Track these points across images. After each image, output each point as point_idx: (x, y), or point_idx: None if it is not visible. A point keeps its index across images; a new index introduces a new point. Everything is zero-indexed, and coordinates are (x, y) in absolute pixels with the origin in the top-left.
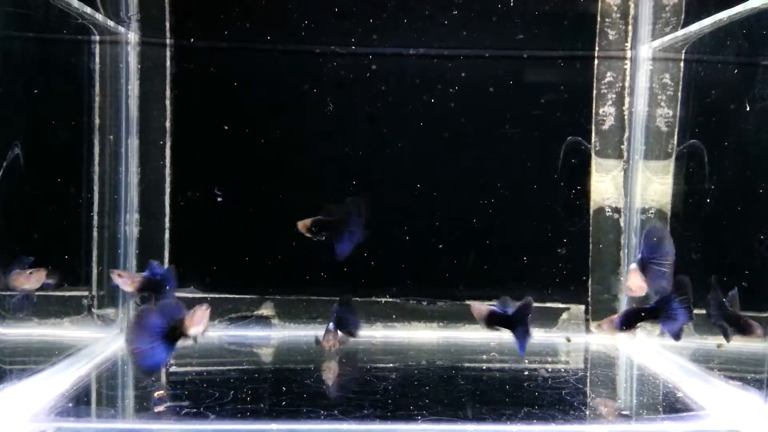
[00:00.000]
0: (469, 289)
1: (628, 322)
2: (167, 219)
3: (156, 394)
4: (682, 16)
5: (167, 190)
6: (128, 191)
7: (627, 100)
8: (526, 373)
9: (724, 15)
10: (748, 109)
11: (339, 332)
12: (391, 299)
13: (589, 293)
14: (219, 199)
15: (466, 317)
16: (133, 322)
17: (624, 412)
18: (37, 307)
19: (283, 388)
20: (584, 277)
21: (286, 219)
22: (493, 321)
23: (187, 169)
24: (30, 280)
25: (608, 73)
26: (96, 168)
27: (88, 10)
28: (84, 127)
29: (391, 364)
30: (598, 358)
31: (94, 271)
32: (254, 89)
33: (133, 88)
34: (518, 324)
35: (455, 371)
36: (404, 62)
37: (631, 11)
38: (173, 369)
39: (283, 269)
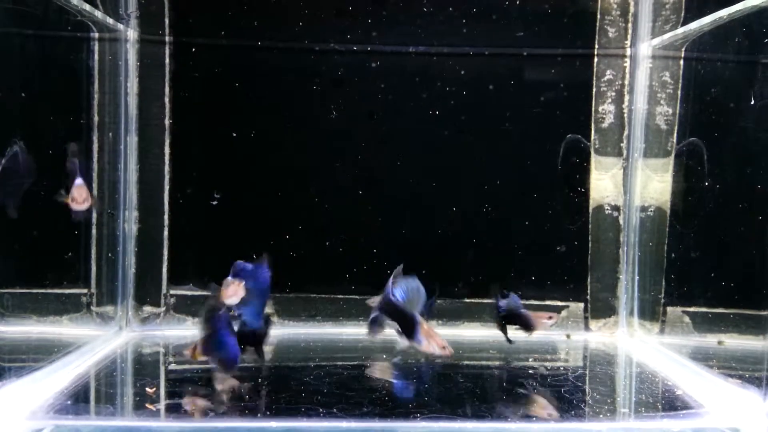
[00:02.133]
0: (468, 287)
1: None
2: (166, 216)
3: (148, 390)
4: (682, 14)
5: (166, 188)
6: (127, 189)
7: (627, 98)
8: (526, 371)
9: (724, 13)
10: (752, 102)
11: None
12: None
13: (588, 291)
14: (214, 202)
15: (465, 315)
16: None
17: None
18: (36, 304)
19: (282, 386)
20: (583, 275)
21: (285, 216)
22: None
23: (186, 166)
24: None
25: (608, 71)
26: (95, 165)
27: (87, 7)
28: (83, 125)
29: (391, 362)
30: (598, 356)
31: (93, 268)
32: (253, 87)
33: (132, 85)
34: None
35: (454, 369)
36: (404, 60)
37: (631, 9)
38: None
39: (283, 267)
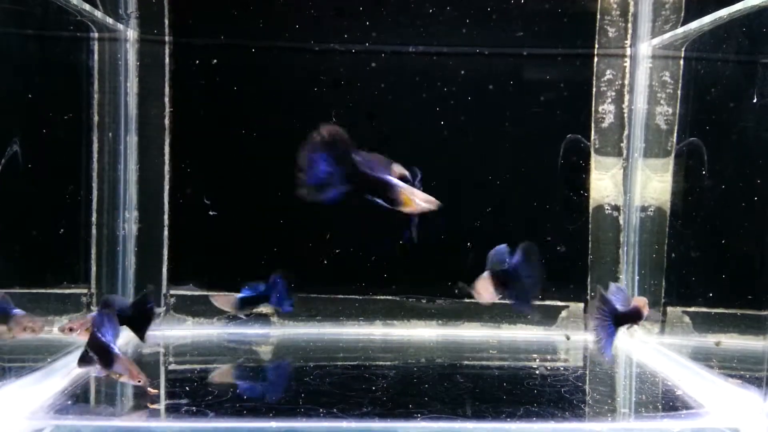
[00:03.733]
0: (468, 287)
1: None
2: (166, 216)
3: (150, 391)
4: (682, 14)
5: (166, 188)
6: (127, 189)
7: (627, 97)
8: (526, 371)
9: (724, 13)
10: (755, 101)
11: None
12: (390, 297)
13: (588, 291)
14: (212, 213)
15: (465, 315)
16: None
17: None
18: (36, 304)
19: (282, 386)
20: (583, 275)
21: (284, 217)
22: (246, 304)
23: (186, 166)
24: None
25: (608, 71)
26: (95, 165)
27: (87, 7)
28: (83, 125)
29: (390, 362)
30: (598, 356)
31: (93, 268)
32: (253, 86)
33: (131, 85)
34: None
35: (454, 369)
36: (404, 60)
37: (631, 9)
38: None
39: (282, 267)
